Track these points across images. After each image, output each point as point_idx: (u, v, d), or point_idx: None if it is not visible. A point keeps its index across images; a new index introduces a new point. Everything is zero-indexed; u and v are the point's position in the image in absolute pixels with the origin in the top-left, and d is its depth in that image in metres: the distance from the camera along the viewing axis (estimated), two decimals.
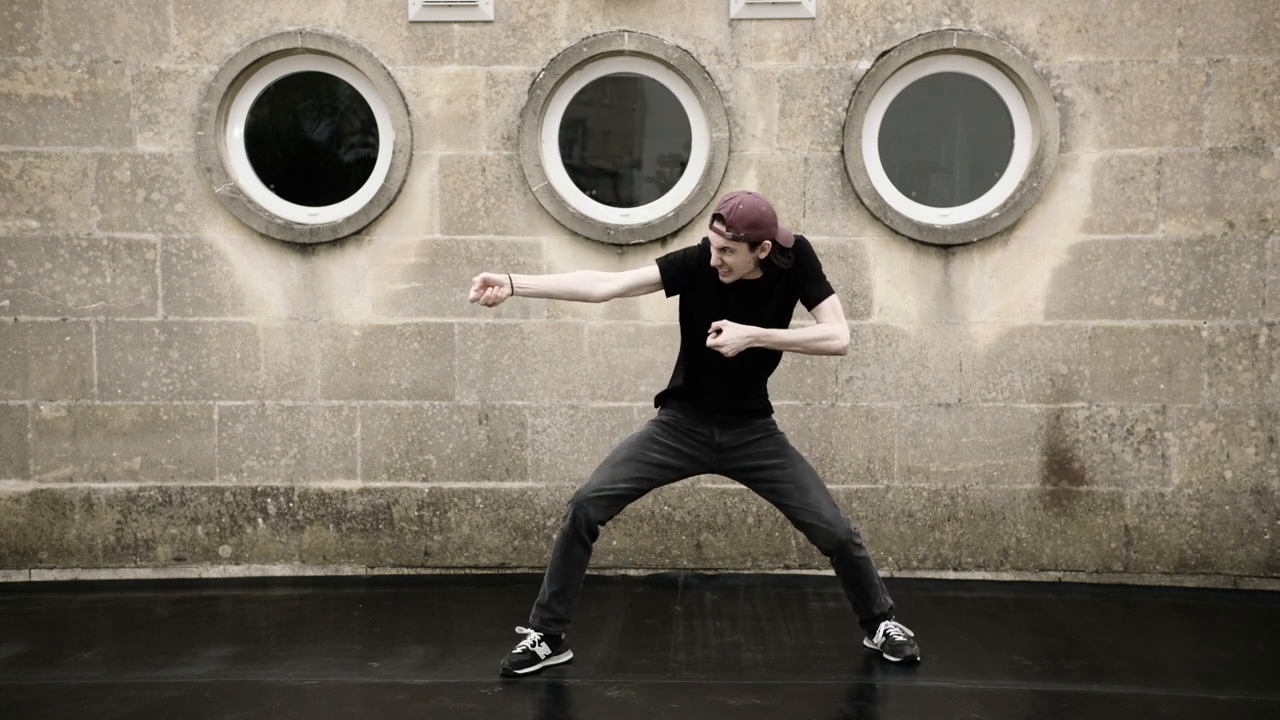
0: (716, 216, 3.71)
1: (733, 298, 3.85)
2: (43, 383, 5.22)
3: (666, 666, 4.04)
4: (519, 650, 3.94)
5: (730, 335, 3.73)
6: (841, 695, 3.79)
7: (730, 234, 3.68)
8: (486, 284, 3.84)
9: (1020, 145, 5.17)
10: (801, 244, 3.84)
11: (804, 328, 3.91)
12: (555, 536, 4.08)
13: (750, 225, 3.67)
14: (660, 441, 3.97)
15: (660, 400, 4.09)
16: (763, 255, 3.76)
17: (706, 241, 3.84)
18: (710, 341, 3.75)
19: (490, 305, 3.85)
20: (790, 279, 3.84)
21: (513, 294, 3.86)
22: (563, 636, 4.01)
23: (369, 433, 5.25)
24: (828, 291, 3.87)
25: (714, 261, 3.78)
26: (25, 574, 5.29)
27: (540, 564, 5.25)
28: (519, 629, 4.02)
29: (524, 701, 3.69)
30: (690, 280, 3.89)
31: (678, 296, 3.96)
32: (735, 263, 3.75)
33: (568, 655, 4.04)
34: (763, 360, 3.94)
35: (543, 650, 3.96)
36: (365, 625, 4.55)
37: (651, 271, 3.93)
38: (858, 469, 5.20)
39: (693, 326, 3.94)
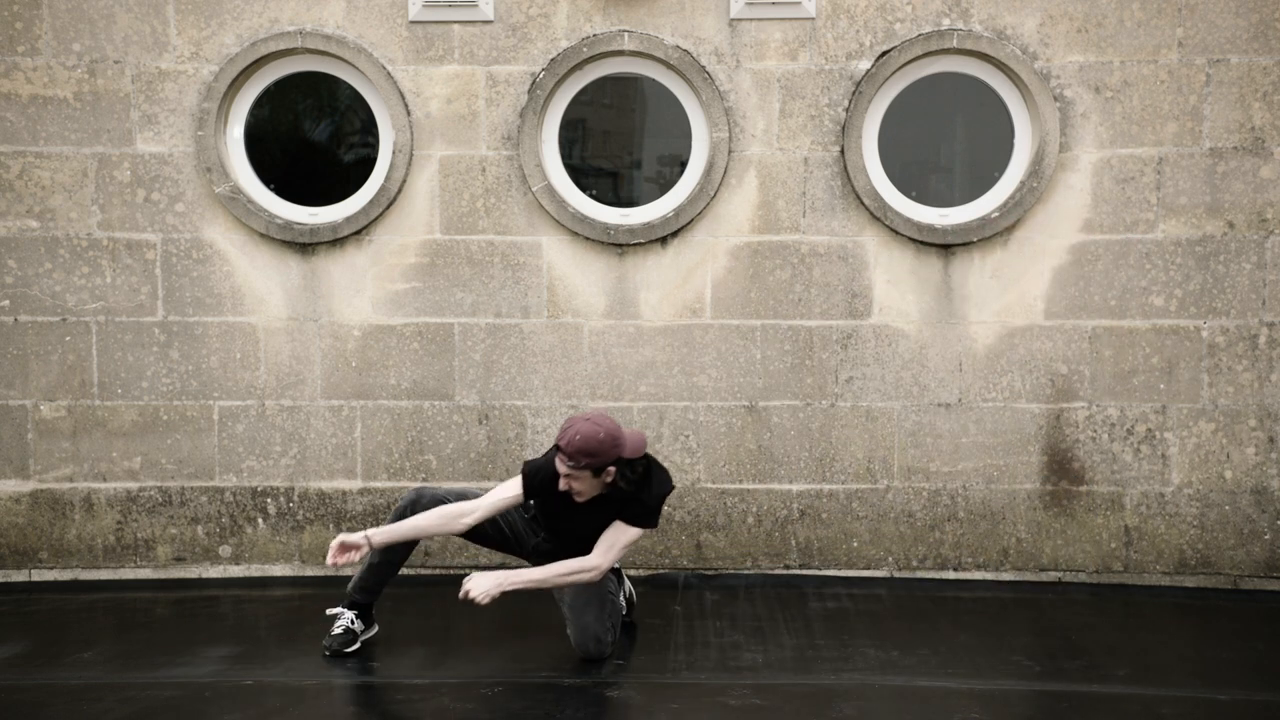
0: (556, 446, 3.82)
1: (580, 507, 3.99)
2: (43, 383, 5.22)
3: (666, 666, 4.04)
4: None
5: (480, 583, 3.87)
6: (841, 695, 3.78)
7: (571, 464, 3.80)
8: (345, 548, 3.93)
9: (1020, 145, 5.17)
10: (657, 475, 3.97)
11: (554, 564, 4.00)
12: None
13: (589, 455, 3.77)
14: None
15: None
16: (609, 480, 3.87)
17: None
18: (461, 593, 3.87)
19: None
20: (628, 498, 3.94)
21: (371, 549, 4.00)
22: None
23: (369, 433, 5.25)
24: (640, 523, 3.97)
25: (562, 486, 3.89)
26: (25, 574, 5.29)
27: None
28: None
29: (524, 701, 3.69)
30: (545, 488, 4.01)
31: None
32: (582, 488, 3.88)
33: None
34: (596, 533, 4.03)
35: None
36: None
37: (512, 490, 4.06)
38: (858, 469, 5.20)
39: (547, 520, 4.17)
